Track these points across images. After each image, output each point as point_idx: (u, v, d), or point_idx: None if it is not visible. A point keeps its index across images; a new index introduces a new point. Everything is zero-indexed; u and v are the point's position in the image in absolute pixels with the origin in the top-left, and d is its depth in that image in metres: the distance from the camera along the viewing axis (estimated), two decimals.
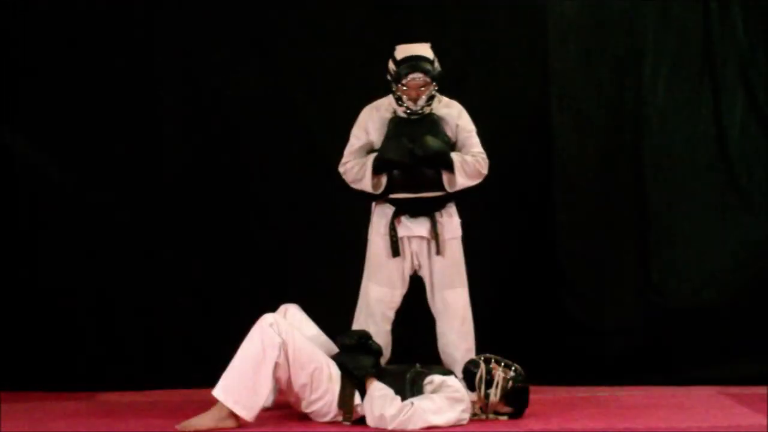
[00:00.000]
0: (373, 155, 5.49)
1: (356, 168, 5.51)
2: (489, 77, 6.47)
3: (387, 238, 5.51)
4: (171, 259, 6.45)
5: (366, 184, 5.49)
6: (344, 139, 6.33)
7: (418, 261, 5.56)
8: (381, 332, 5.47)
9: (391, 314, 5.58)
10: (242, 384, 4.77)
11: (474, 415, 4.96)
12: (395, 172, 5.45)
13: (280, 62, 6.53)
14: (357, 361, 4.92)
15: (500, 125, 6.38)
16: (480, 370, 4.94)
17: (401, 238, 5.51)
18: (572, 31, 6.48)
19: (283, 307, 5.23)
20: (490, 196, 6.14)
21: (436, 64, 5.44)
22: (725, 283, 6.35)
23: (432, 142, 5.39)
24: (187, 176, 6.49)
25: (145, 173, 6.47)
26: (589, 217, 6.46)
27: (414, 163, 5.39)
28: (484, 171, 5.51)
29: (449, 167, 5.42)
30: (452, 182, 5.44)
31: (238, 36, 6.52)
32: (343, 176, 5.59)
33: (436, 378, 4.90)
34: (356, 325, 5.55)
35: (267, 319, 4.87)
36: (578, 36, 6.48)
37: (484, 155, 5.51)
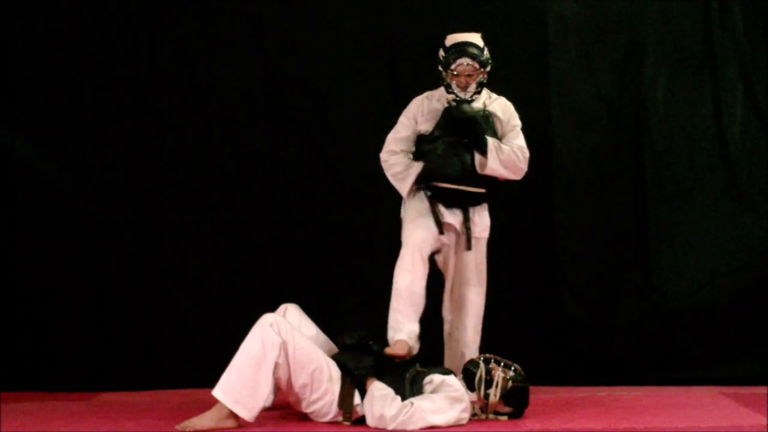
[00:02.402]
0: (419, 165, 5.41)
1: (399, 167, 5.47)
2: (489, 77, 6.46)
3: (428, 210, 5.41)
4: (171, 259, 6.45)
5: (402, 188, 5.45)
6: (344, 137, 6.36)
7: (445, 251, 5.52)
8: (424, 275, 5.35)
9: (427, 263, 5.40)
10: (242, 384, 4.77)
11: (474, 415, 4.96)
12: (436, 159, 5.38)
13: (280, 62, 6.53)
14: (357, 361, 4.92)
15: None
16: (480, 370, 4.94)
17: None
18: (572, 31, 6.48)
19: (282, 307, 5.23)
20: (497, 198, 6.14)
21: (486, 52, 5.41)
22: (725, 283, 6.35)
23: (468, 108, 5.36)
24: (186, 176, 6.49)
25: (145, 173, 6.47)
26: (589, 217, 6.46)
27: (459, 185, 5.35)
28: (522, 165, 5.45)
29: (481, 143, 5.35)
30: (483, 165, 5.38)
31: (238, 36, 6.52)
32: (383, 164, 5.52)
33: (436, 378, 4.90)
34: (401, 266, 5.34)
35: (267, 319, 4.87)
36: (578, 36, 6.49)
37: (525, 150, 5.45)
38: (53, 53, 6.44)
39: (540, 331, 6.37)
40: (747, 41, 6.41)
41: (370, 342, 5.05)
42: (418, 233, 5.36)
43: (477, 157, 5.38)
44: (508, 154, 5.40)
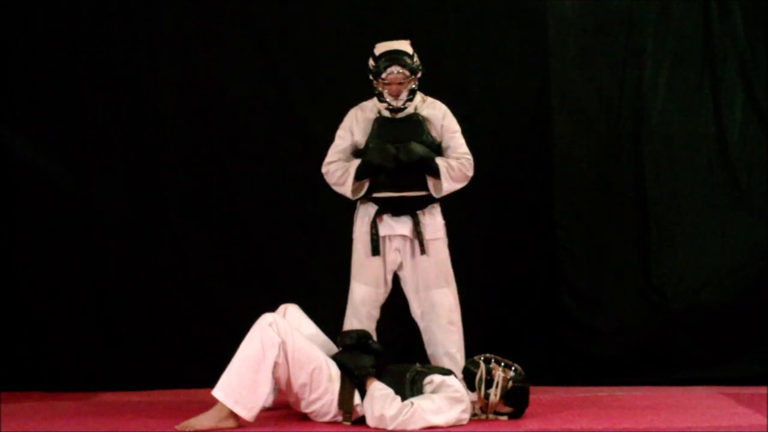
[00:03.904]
0: (357, 161, 5.47)
1: (339, 172, 5.50)
2: (489, 77, 6.47)
3: (368, 237, 5.50)
4: (171, 259, 6.45)
5: (346, 189, 5.47)
6: None
7: (400, 260, 5.54)
8: (368, 330, 5.43)
9: (376, 313, 5.56)
10: (242, 384, 4.77)
11: (474, 415, 4.96)
12: (369, 151, 5.42)
13: (280, 62, 6.53)
14: (357, 361, 4.91)
15: (500, 125, 6.39)
16: (480, 371, 4.94)
17: (383, 237, 5.48)
18: (572, 31, 6.48)
19: (282, 307, 5.23)
20: (490, 196, 6.14)
21: (416, 59, 5.42)
22: (725, 283, 6.35)
23: (417, 148, 5.38)
24: (186, 176, 6.50)
25: (145, 173, 6.48)
26: (589, 217, 6.46)
27: (398, 168, 5.38)
28: (470, 173, 5.48)
29: (435, 173, 5.41)
30: (438, 188, 5.43)
31: (238, 35, 6.52)
32: (325, 177, 5.56)
33: (436, 378, 4.89)
34: (346, 325, 5.53)
35: (266, 318, 4.87)
36: (578, 36, 6.48)
37: (470, 156, 5.47)
38: (53, 53, 6.45)
39: (540, 331, 6.37)
40: (747, 41, 6.41)
41: (370, 342, 5.04)
42: (359, 292, 5.49)
43: (430, 182, 5.42)
44: (458, 170, 5.43)
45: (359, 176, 5.45)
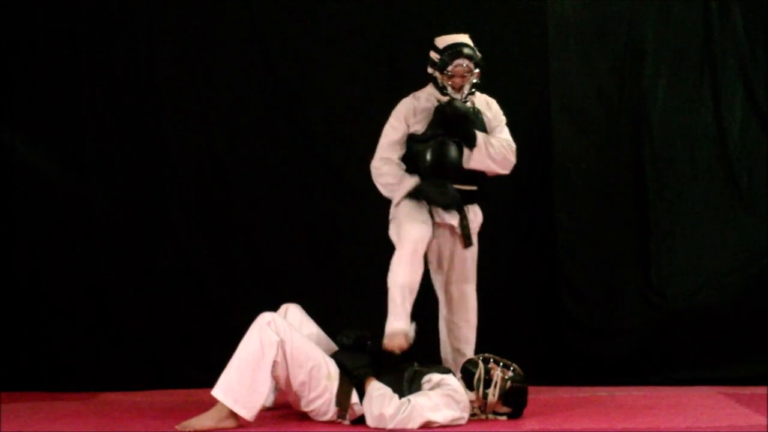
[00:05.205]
0: (411, 182, 5.37)
1: (391, 180, 5.44)
2: (489, 77, 6.46)
3: (420, 203, 5.39)
4: (171, 259, 6.45)
5: (394, 198, 5.43)
6: (344, 138, 6.35)
7: (439, 249, 5.50)
8: (420, 269, 5.33)
9: (423, 259, 5.39)
10: (241, 383, 4.76)
11: (473, 415, 4.95)
12: (429, 157, 5.33)
13: (280, 62, 6.53)
14: (355, 361, 4.92)
15: None
16: (478, 370, 4.94)
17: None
18: (572, 31, 6.48)
19: (283, 307, 5.23)
20: (490, 196, 6.13)
21: (478, 52, 5.42)
22: (725, 283, 6.35)
23: (460, 105, 5.35)
24: (186, 176, 6.50)
25: (145, 173, 6.48)
26: (589, 217, 6.46)
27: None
28: (511, 158, 5.47)
29: (472, 138, 5.36)
30: (471, 159, 5.37)
31: (239, 36, 6.52)
32: (373, 171, 5.50)
33: (435, 376, 4.89)
34: (400, 262, 5.28)
35: (265, 317, 4.87)
36: (578, 36, 6.49)
37: (512, 143, 5.47)
38: (53, 53, 6.44)
39: (540, 331, 6.38)
40: (747, 41, 6.42)
41: (368, 342, 5.04)
42: (414, 230, 5.33)
43: (465, 152, 5.37)
44: (498, 148, 5.42)
45: (409, 196, 5.39)
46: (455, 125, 5.35)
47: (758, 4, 6.41)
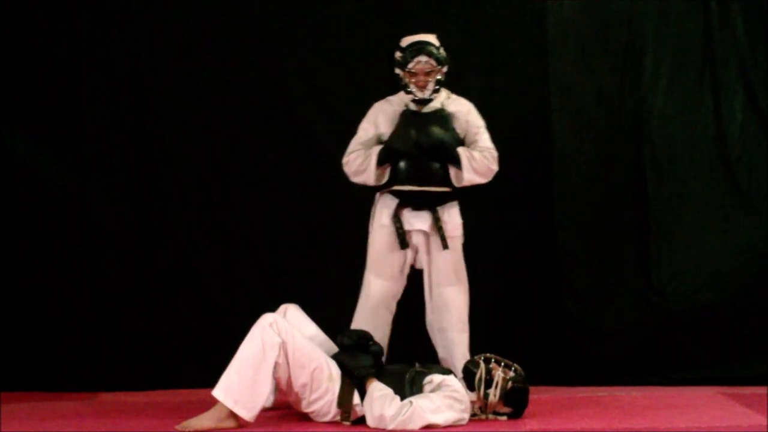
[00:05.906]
0: (378, 147, 5.48)
1: (360, 159, 5.50)
2: (489, 77, 6.47)
3: (391, 230, 5.49)
4: (171, 259, 6.45)
5: (369, 176, 5.48)
6: (344, 137, 6.34)
7: (417, 255, 5.55)
8: (384, 324, 5.50)
9: (394, 306, 5.58)
10: (242, 384, 4.76)
11: (473, 415, 4.96)
12: (401, 163, 5.44)
13: (280, 62, 6.52)
14: (356, 361, 4.91)
15: (500, 125, 6.36)
16: (479, 370, 4.94)
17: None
18: (572, 31, 6.48)
19: (283, 307, 5.23)
20: (490, 196, 6.14)
21: (442, 50, 5.44)
22: (725, 283, 6.35)
23: (437, 131, 5.39)
24: (187, 176, 6.49)
25: (145, 173, 6.47)
26: (589, 217, 6.46)
27: (419, 153, 5.38)
28: (494, 167, 5.50)
29: (455, 160, 5.41)
30: (459, 177, 5.43)
31: (238, 36, 6.52)
32: (345, 167, 5.58)
33: (436, 377, 4.90)
34: (359, 318, 5.53)
35: (266, 318, 4.87)
36: (578, 36, 6.48)
37: (494, 151, 5.50)
38: (53, 53, 6.44)
39: (540, 331, 6.37)
40: (747, 41, 6.41)
41: (369, 342, 5.04)
42: (377, 286, 5.50)
43: (452, 171, 5.42)
44: (480, 161, 5.45)
45: (381, 161, 5.45)
46: (435, 154, 5.40)
47: (758, 4, 6.41)
